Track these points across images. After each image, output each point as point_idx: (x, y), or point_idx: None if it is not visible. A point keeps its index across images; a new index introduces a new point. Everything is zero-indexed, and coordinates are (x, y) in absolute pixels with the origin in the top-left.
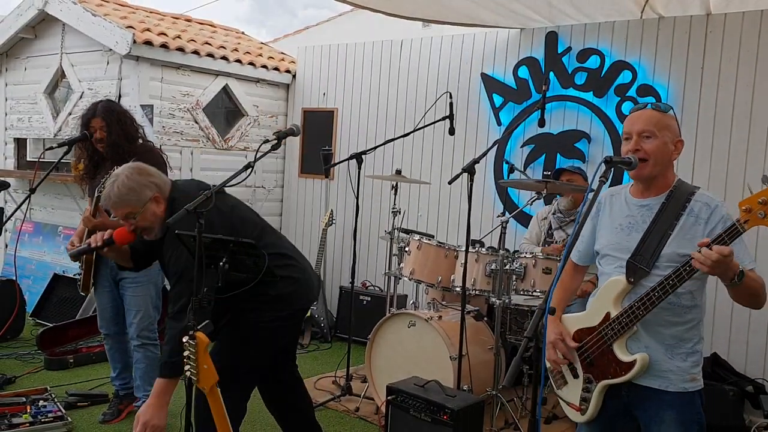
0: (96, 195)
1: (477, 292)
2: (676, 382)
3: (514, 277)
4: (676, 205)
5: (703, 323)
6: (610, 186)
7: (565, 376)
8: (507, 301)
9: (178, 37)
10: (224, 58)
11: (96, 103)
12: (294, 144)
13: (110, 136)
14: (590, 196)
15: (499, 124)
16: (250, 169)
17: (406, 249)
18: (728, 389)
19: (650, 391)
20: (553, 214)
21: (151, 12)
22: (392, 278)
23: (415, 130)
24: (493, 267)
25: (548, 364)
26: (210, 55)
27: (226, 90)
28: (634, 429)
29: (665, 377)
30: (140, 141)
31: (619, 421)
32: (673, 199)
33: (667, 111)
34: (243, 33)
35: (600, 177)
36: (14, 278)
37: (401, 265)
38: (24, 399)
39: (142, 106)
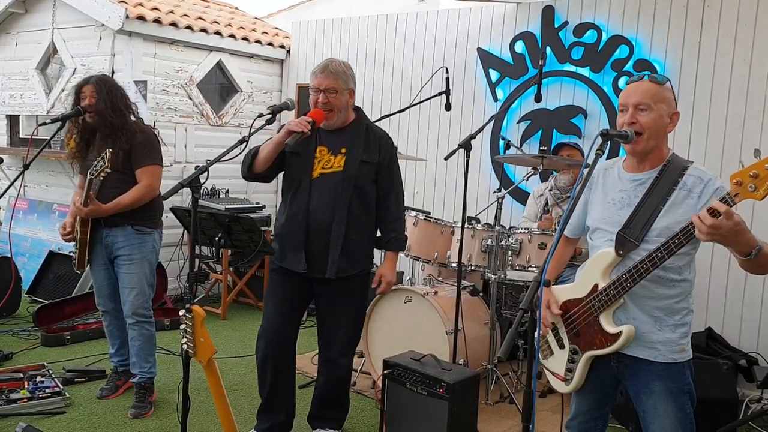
0: (88, 179)
1: (473, 268)
2: (665, 353)
3: (509, 252)
4: (669, 180)
5: (692, 295)
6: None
7: (551, 347)
8: (502, 276)
9: (171, 12)
10: (218, 33)
11: (91, 75)
12: (289, 120)
13: (98, 104)
14: (586, 171)
15: (495, 99)
16: (244, 144)
17: None
18: (722, 363)
19: (640, 362)
20: (550, 190)
21: None
22: None
23: (410, 106)
24: (488, 243)
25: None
26: (203, 30)
27: (219, 66)
28: (626, 399)
29: (654, 348)
30: (132, 118)
31: (610, 392)
32: (666, 174)
33: (664, 83)
34: (236, 8)
35: (596, 150)
36: (9, 256)
37: None
38: (21, 375)
39: (135, 82)
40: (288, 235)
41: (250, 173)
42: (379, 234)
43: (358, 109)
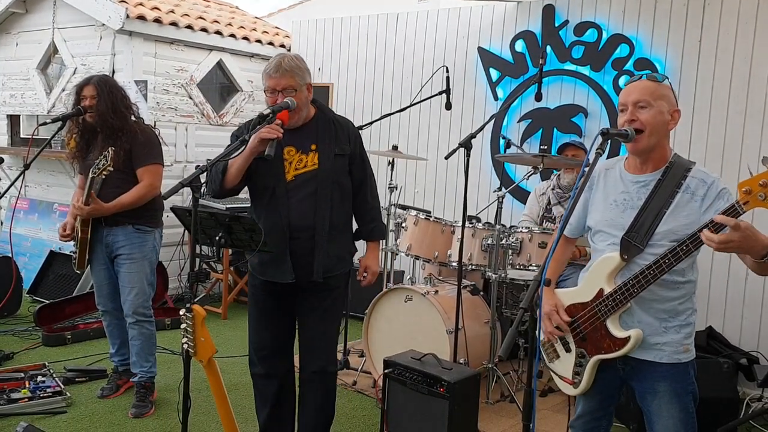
0: (90, 177)
1: (473, 267)
2: (670, 353)
3: (510, 251)
4: (672, 182)
5: (696, 295)
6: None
7: (557, 350)
8: (503, 275)
9: (172, 11)
10: (218, 32)
11: (92, 75)
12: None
13: (99, 105)
14: (586, 170)
15: (495, 98)
16: (245, 144)
17: (403, 225)
18: (723, 362)
19: (645, 364)
20: (552, 189)
21: None
22: (389, 254)
23: (411, 105)
24: (489, 242)
25: (543, 336)
26: (203, 29)
27: (220, 65)
28: (631, 399)
29: (659, 350)
30: (133, 118)
31: (615, 392)
32: (669, 176)
33: (662, 81)
34: (237, 7)
35: (596, 149)
36: (10, 255)
37: (398, 240)
38: (22, 374)
39: (136, 81)
40: (275, 245)
41: (222, 190)
42: (356, 226)
43: (315, 101)
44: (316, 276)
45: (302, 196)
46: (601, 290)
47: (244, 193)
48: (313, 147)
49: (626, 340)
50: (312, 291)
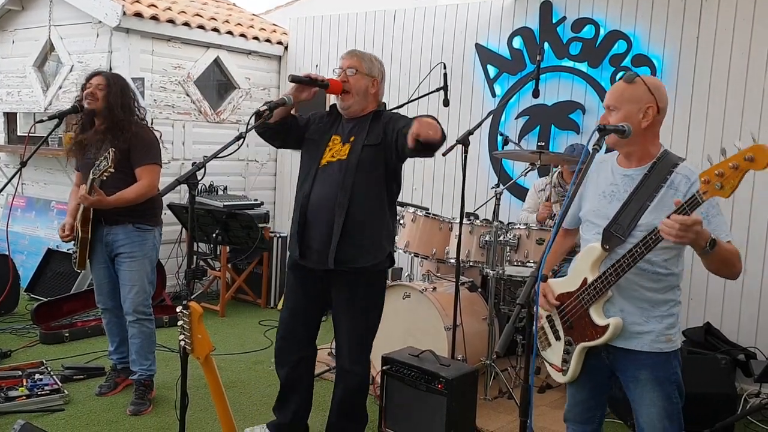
0: (90, 179)
1: (471, 264)
2: (650, 342)
3: (507, 248)
4: (658, 177)
5: (680, 288)
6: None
7: (549, 338)
8: (501, 272)
9: (169, 8)
10: (215, 29)
11: (104, 71)
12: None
13: (108, 96)
14: (583, 166)
15: (493, 95)
16: (241, 140)
17: (401, 222)
18: (720, 358)
19: (627, 353)
20: (553, 186)
21: None
22: None
23: (408, 102)
24: (487, 239)
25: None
26: (201, 26)
27: (217, 62)
28: (619, 389)
29: (640, 338)
30: (137, 117)
31: (604, 382)
32: (655, 171)
33: (630, 81)
34: (234, 4)
35: (593, 145)
36: (7, 253)
37: (396, 237)
38: (20, 372)
39: (133, 79)
40: (293, 223)
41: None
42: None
43: (382, 103)
44: (329, 262)
45: (327, 181)
46: (585, 279)
47: (241, 191)
48: (352, 139)
49: (606, 327)
50: (339, 283)
